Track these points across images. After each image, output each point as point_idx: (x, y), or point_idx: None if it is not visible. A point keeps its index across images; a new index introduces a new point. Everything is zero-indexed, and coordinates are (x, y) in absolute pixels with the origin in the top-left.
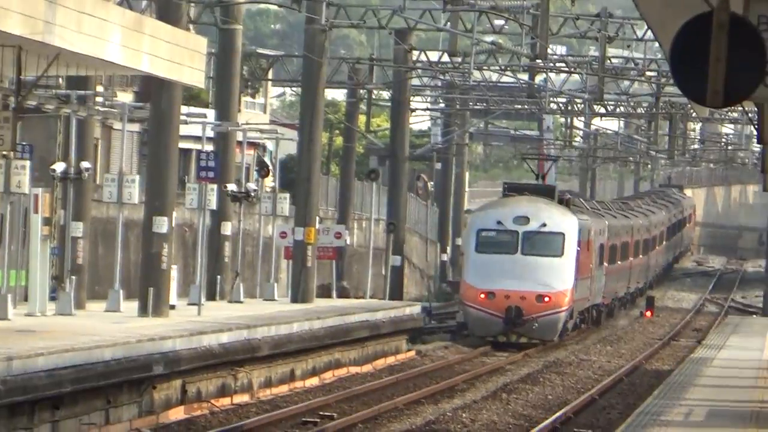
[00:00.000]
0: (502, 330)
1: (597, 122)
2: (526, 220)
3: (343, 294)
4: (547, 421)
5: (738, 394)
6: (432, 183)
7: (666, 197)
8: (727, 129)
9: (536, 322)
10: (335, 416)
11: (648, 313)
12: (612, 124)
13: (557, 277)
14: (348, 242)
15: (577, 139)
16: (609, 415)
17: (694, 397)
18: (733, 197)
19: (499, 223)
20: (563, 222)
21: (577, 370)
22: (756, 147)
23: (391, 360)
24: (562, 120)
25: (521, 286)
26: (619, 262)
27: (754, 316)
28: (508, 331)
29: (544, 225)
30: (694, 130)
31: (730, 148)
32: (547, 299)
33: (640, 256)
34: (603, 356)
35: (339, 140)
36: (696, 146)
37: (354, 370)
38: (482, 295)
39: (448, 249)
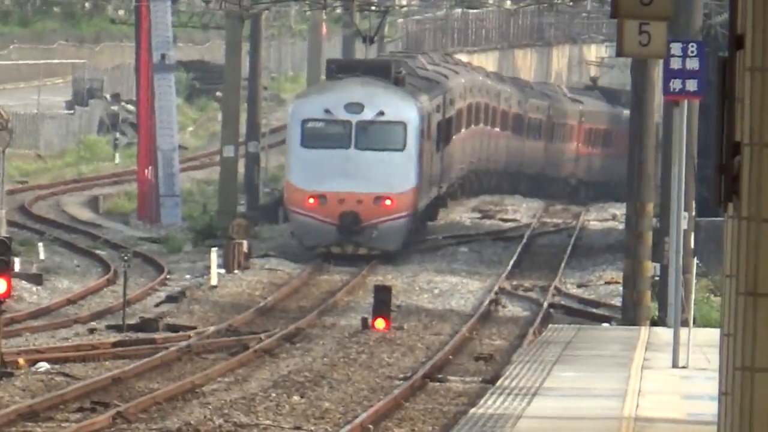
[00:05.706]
0: (336, 240)
1: None
2: (359, 107)
3: None
4: None
5: None
6: None
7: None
8: None
9: (376, 229)
10: None
11: (379, 323)
12: None
13: (399, 176)
14: None
15: None
16: None
17: None
18: (556, 70)
19: (327, 111)
20: (404, 109)
21: None
22: None
23: None
24: None
25: (357, 187)
26: (458, 135)
27: (606, 325)
28: (343, 240)
29: (382, 113)
30: None
31: None
32: (388, 202)
33: (478, 125)
34: (286, 417)
35: None
36: None
37: None
38: (311, 199)
39: None
